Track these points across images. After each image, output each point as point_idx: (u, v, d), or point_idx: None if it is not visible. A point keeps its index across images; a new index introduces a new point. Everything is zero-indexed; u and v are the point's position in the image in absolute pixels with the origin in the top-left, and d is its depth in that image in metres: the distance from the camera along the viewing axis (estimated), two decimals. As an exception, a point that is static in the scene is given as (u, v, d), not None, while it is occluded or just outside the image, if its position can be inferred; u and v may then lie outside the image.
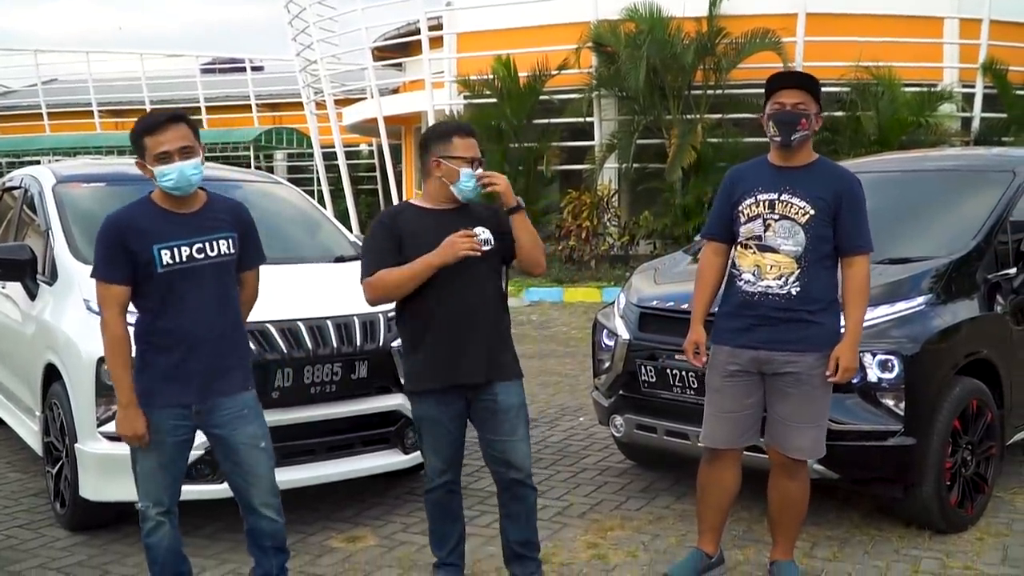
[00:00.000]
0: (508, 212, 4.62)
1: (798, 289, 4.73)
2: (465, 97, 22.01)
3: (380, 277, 4.57)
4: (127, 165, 9.84)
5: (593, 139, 21.20)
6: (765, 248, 4.79)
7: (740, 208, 4.87)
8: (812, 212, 4.73)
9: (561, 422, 8.78)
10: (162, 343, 4.32)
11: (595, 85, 20.52)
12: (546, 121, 21.09)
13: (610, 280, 18.40)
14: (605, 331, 6.76)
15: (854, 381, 5.43)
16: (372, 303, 4.74)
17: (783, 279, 4.75)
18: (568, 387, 10.36)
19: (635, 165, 20.06)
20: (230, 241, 4.42)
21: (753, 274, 4.81)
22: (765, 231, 4.80)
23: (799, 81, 4.89)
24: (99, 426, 5.56)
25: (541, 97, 20.86)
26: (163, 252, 4.27)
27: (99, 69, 40.67)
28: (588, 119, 21.13)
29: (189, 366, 4.33)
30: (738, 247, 4.90)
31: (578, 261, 19.73)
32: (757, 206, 4.82)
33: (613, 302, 6.99)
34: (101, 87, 40.17)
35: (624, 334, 6.44)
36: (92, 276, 4.35)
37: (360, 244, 7.43)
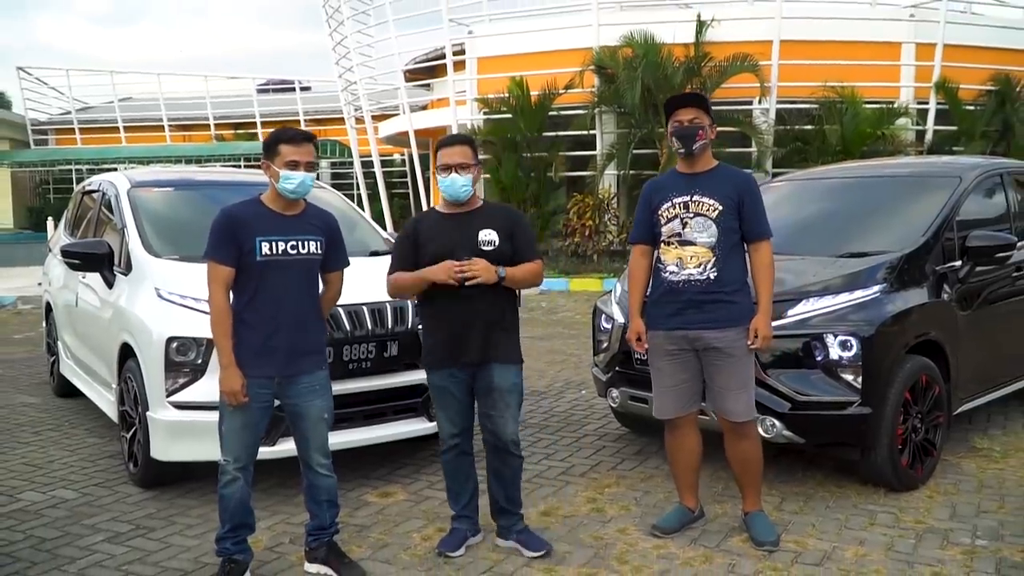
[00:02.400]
0: (497, 285, 4.63)
1: (716, 274, 4.81)
2: (484, 113, 22.00)
3: (395, 278, 4.77)
4: (192, 172, 9.93)
5: (595, 149, 21.17)
6: (685, 242, 4.86)
7: (660, 212, 4.94)
8: (721, 208, 4.82)
9: (566, 394, 8.80)
10: (253, 321, 4.41)
11: (597, 102, 20.52)
12: (554, 134, 21.06)
13: (610, 272, 18.40)
14: (603, 316, 6.76)
15: (818, 358, 5.45)
16: (392, 296, 4.94)
17: (702, 267, 4.82)
18: (572, 364, 10.37)
19: (631, 172, 20.03)
20: (318, 243, 4.53)
21: (676, 265, 4.88)
22: (683, 228, 4.87)
23: (691, 100, 5.00)
24: (168, 396, 5.60)
25: (550, 113, 20.84)
26: (263, 244, 4.39)
27: (168, 88, 40.82)
28: (591, 132, 21.11)
29: (274, 343, 4.42)
30: (661, 245, 4.96)
31: (582, 255, 19.73)
32: (674, 208, 4.89)
33: (611, 291, 6.99)
34: (170, 104, 40.28)
35: (620, 318, 6.44)
36: (204, 257, 4.45)
37: (392, 241, 7.48)
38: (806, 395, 5.45)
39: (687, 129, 4.86)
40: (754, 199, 4.88)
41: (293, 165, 4.43)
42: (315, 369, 4.55)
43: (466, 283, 4.57)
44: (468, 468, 4.98)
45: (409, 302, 6.08)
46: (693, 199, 4.86)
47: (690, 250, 4.85)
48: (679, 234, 4.88)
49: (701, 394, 5.04)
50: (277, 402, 4.56)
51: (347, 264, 4.79)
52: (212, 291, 4.41)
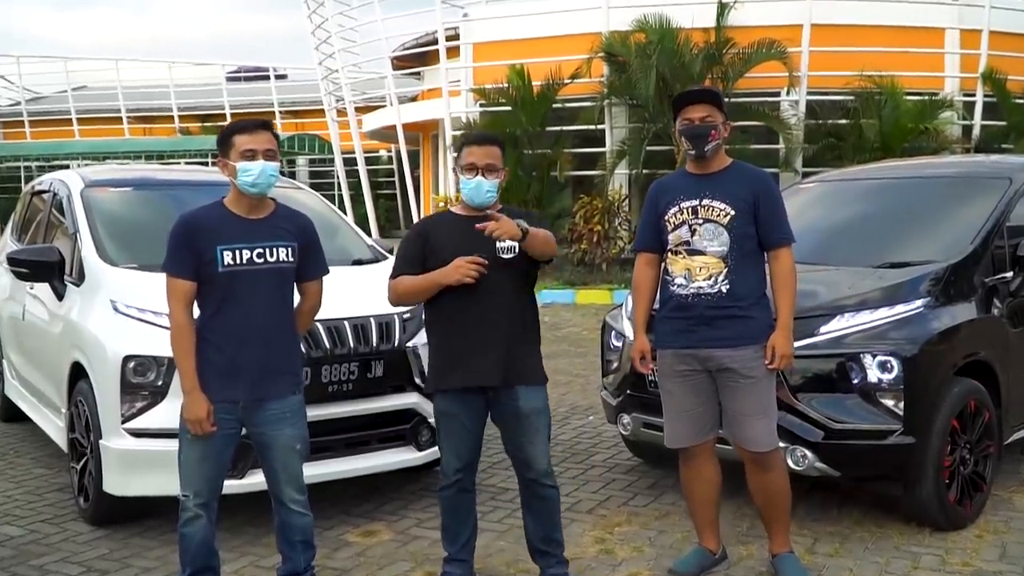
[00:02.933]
0: (522, 241, 4.57)
1: (728, 287, 4.81)
2: (481, 105, 22.02)
3: (398, 282, 4.73)
4: (154, 170, 9.93)
5: (604, 146, 21.19)
6: (693, 252, 4.87)
7: (666, 217, 4.95)
8: (733, 212, 4.82)
9: (571, 420, 8.77)
10: (217, 339, 4.40)
11: (606, 94, 20.52)
12: (559, 128, 21.08)
13: (620, 283, 18.36)
14: (613, 332, 6.75)
15: (854, 381, 5.43)
16: (393, 304, 4.89)
17: (712, 279, 4.82)
18: (579, 386, 10.34)
19: (645, 171, 20.02)
20: (289, 250, 4.50)
21: (684, 277, 4.88)
22: (692, 236, 4.87)
23: (702, 96, 5.02)
24: (124, 423, 5.57)
25: (554, 105, 20.85)
26: (225, 253, 4.38)
27: (128, 76, 40.90)
28: (599, 126, 21.12)
29: (241, 363, 4.40)
30: (668, 254, 4.97)
31: (590, 264, 19.72)
32: (681, 213, 4.90)
33: (622, 304, 6.97)
34: (130, 94, 40.36)
35: (632, 335, 6.40)
36: (162, 270, 4.45)
37: (377, 248, 7.47)
38: (841, 423, 5.43)
39: (698, 128, 4.87)
40: (771, 200, 4.89)
41: (249, 155, 4.40)
42: (286, 393, 4.52)
43: (494, 242, 4.53)
44: (469, 506, 4.95)
45: (396, 317, 6.07)
46: (703, 203, 4.87)
47: (699, 260, 4.85)
48: (687, 242, 4.88)
49: (718, 420, 5.03)
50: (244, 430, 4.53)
51: (326, 272, 4.77)
52: (172, 308, 4.40)
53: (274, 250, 4.46)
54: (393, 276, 4.76)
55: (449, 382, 4.71)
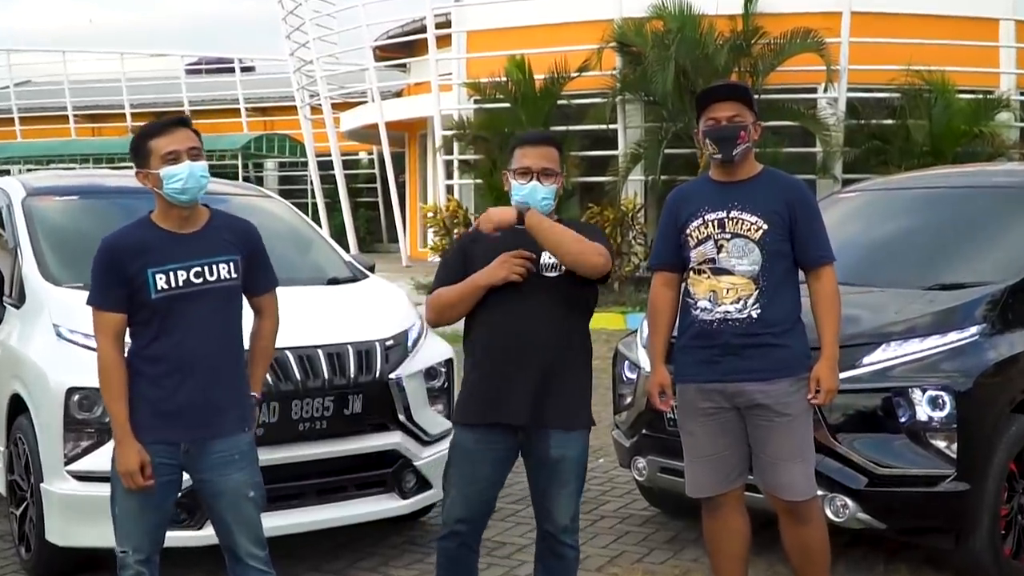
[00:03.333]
0: (519, 222, 4.51)
1: (759, 312, 4.78)
2: (475, 101, 22.10)
3: (437, 294, 4.70)
4: (103, 176, 9.93)
5: (616, 148, 21.23)
6: (720, 271, 4.84)
7: (688, 231, 4.92)
8: (766, 227, 4.80)
9: (578, 462, 8.75)
10: (153, 372, 4.36)
11: (619, 89, 20.58)
12: (565, 128, 21.09)
13: (635, 305, 18.34)
14: (627, 363, 6.76)
15: (902, 420, 5.44)
16: (432, 324, 4.86)
17: (742, 302, 4.80)
18: (586, 423, 10.34)
19: (663, 177, 20.04)
20: (231, 265, 4.45)
21: (709, 300, 4.86)
22: (718, 252, 4.85)
23: (730, 92, 5.01)
24: (67, 464, 5.57)
25: (559, 102, 20.92)
26: (158, 276, 4.32)
27: (76, 70, 40.92)
28: (611, 126, 21.17)
29: (180, 399, 4.35)
30: (690, 274, 4.94)
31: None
32: (706, 227, 4.88)
33: (637, 330, 6.98)
34: (77, 89, 40.41)
35: (647, 366, 6.41)
36: (88, 303, 4.41)
37: (355, 264, 7.48)
38: (887, 467, 5.44)
39: (725, 129, 4.85)
40: (809, 212, 4.89)
41: (172, 158, 4.33)
42: (234, 431, 4.45)
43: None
44: (470, 566, 4.80)
45: (377, 344, 6.09)
46: (731, 215, 4.85)
47: (726, 281, 4.84)
48: (712, 260, 4.86)
49: (747, 464, 5.01)
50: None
51: (276, 283, 4.72)
52: (99, 345, 4.36)
53: (214, 267, 4.40)
54: (431, 291, 4.74)
55: (468, 415, 4.65)
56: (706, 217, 4.89)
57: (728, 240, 4.83)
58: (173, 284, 4.33)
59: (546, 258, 4.54)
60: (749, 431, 4.89)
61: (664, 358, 5.08)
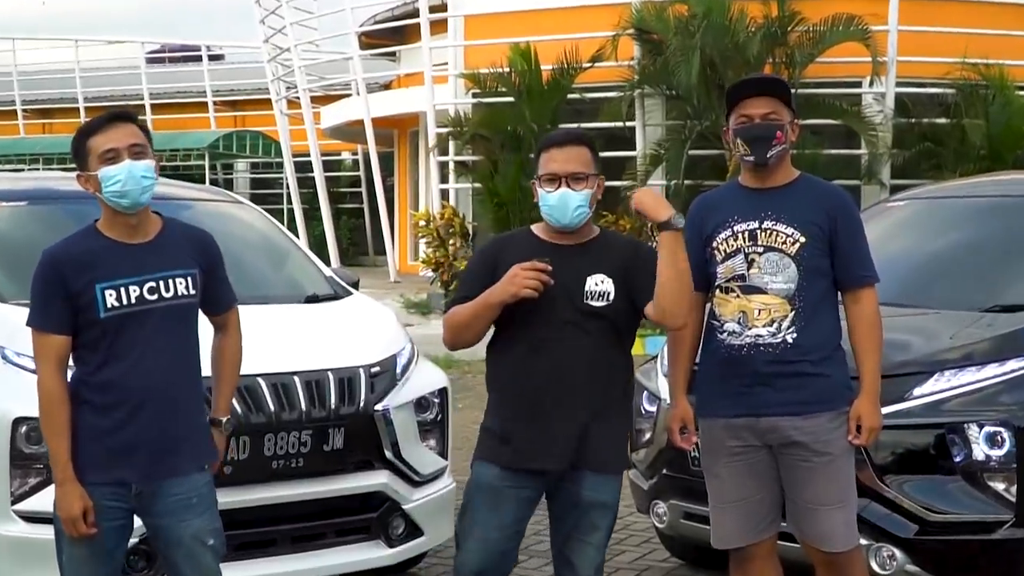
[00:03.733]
0: (658, 228, 4.49)
1: (794, 336, 4.77)
2: (474, 95, 22.17)
3: (452, 313, 4.64)
4: (55, 179, 9.91)
5: (634, 149, 21.26)
6: (751, 289, 4.84)
7: (715, 244, 4.91)
8: (803, 240, 4.79)
9: (589, 506, 8.75)
10: (100, 402, 4.34)
11: (637, 81, 20.64)
12: (576, 125, 21.07)
13: (654, 327, 18.32)
14: (645, 394, 6.75)
15: (956, 459, 5.44)
16: (449, 346, 4.80)
17: (775, 325, 4.78)
18: (599, 461, 10.34)
19: (687, 182, 20.10)
20: (189, 280, 4.43)
21: (738, 322, 4.84)
22: (749, 268, 4.84)
23: (765, 86, 5.00)
24: (14, 503, 5.56)
25: (569, 96, 21.01)
26: (107, 293, 4.31)
27: (24, 59, 41.04)
28: (628, 123, 21.21)
29: (130, 434, 4.33)
30: (717, 292, 4.93)
31: (614, 302, 19.71)
32: (735, 239, 4.87)
33: (656, 356, 6.99)
34: (26, 81, 40.50)
35: (669, 398, 6.42)
36: (27, 324, 4.41)
37: (336, 280, 7.48)
38: (940, 512, 5.43)
39: (759, 128, 4.83)
40: (851, 225, 4.88)
41: (110, 156, 4.32)
42: (190, 470, 4.44)
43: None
44: None
45: (361, 371, 6.08)
46: (763, 226, 4.84)
47: (758, 300, 4.83)
48: (742, 276, 4.86)
49: (780, 510, 5.00)
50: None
51: (235, 300, 4.73)
52: (40, 372, 4.35)
53: (169, 282, 4.38)
54: (448, 307, 4.69)
55: (498, 456, 4.62)
56: (735, 228, 4.88)
57: (760, 254, 4.82)
58: (124, 301, 4.31)
59: (592, 285, 4.51)
60: (782, 472, 4.87)
61: (686, 389, 5.08)
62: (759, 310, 4.81)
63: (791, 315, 4.78)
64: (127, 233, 4.40)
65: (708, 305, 5.01)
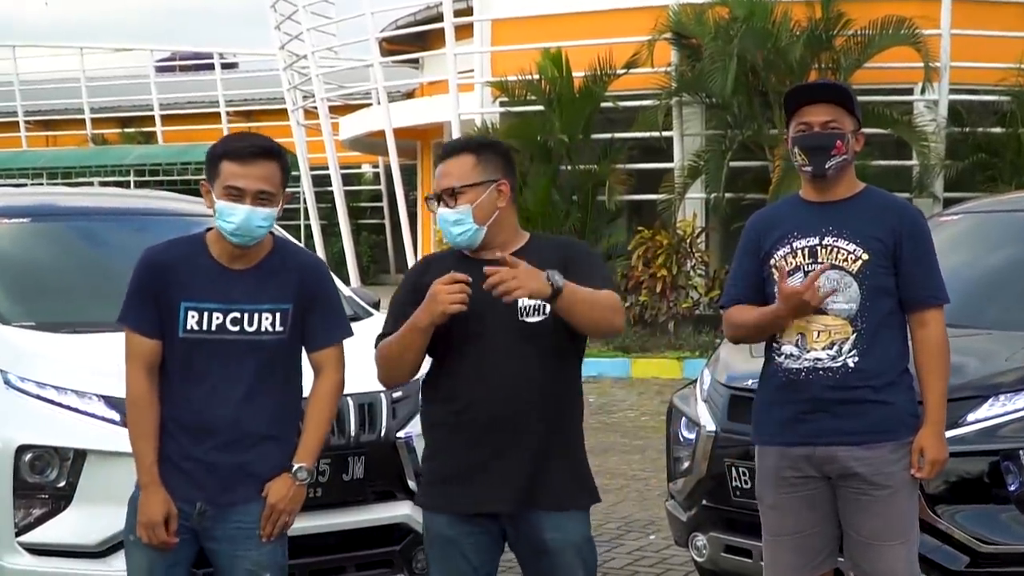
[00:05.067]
0: (550, 302, 4.25)
1: (856, 360, 4.75)
2: (502, 104, 22.15)
3: (380, 347, 4.53)
4: (59, 194, 9.97)
5: (672, 160, 21.25)
6: None
7: (773, 262, 4.90)
8: (866, 257, 4.78)
9: (625, 541, 8.79)
10: (170, 425, 4.45)
11: (675, 89, 20.58)
12: (609, 136, 21.18)
13: (694, 350, 18.37)
14: (684, 420, 6.76)
15: (1011, 487, 5.44)
16: (383, 382, 4.73)
17: (836, 348, 4.77)
18: (635, 493, 10.34)
19: (728, 195, 20.07)
20: (278, 315, 4.48)
21: (796, 345, 4.83)
22: None
23: (826, 92, 4.98)
24: (18, 535, 5.62)
25: (603, 104, 20.97)
26: (190, 313, 4.40)
27: (27, 68, 41.23)
28: (666, 133, 21.20)
29: (197, 458, 4.44)
30: None
31: (651, 323, 19.71)
32: (794, 256, 4.86)
33: (695, 380, 7.00)
34: (30, 91, 40.69)
35: (709, 424, 6.43)
36: (118, 321, 4.50)
37: (356, 300, 7.50)
38: (992, 544, 5.44)
39: (818, 137, 4.83)
40: (920, 242, 4.86)
41: (234, 194, 4.36)
42: (256, 500, 4.50)
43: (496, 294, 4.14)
44: None
45: (383, 396, 6.11)
46: (824, 243, 4.84)
47: (818, 322, 4.81)
48: None
49: (837, 544, 4.98)
50: None
51: (348, 334, 4.72)
52: (128, 372, 4.45)
53: (255, 316, 4.44)
54: (379, 340, 4.56)
55: (443, 503, 4.50)
56: (795, 244, 4.87)
57: (821, 273, 4.81)
58: (205, 326, 4.41)
59: (525, 299, 4.27)
60: (840, 505, 4.85)
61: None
62: (818, 332, 4.80)
63: (852, 337, 4.76)
64: (229, 258, 4.47)
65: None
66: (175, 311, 4.39)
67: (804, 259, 4.84)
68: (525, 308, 4.36)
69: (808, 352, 4.81)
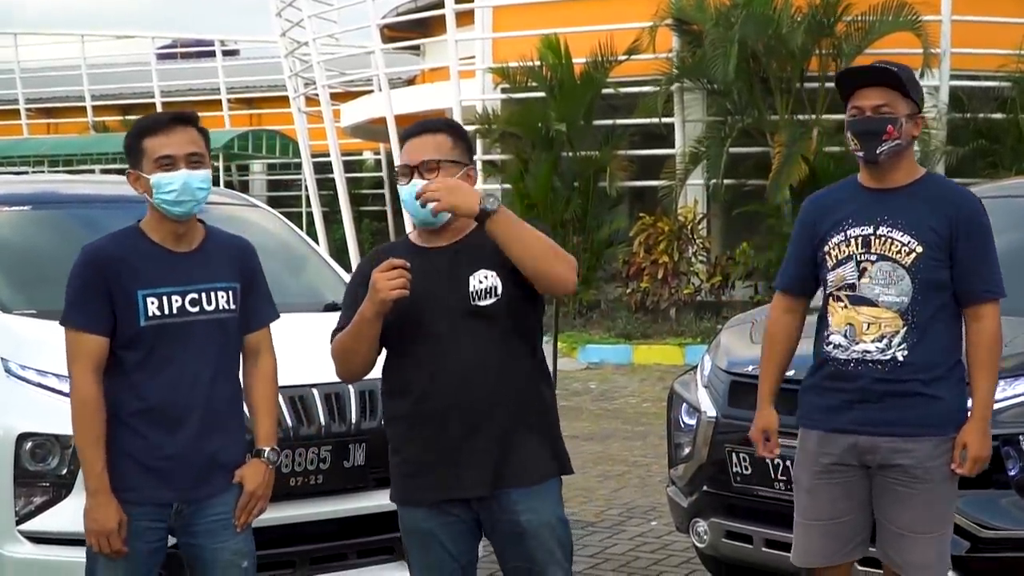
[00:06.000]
0: (477, 221, 4.28)
1: (905, 353, 4.71)
2: (503, 90, 22.15)
3: (335, 342, 4.49)
4: (60, 182, 10.00)
5: (674, 146, 21.24)
6: (859, 300, 4.79)
7: (826, 249, 4.87)
8: (919, 249, 4.72)
9: (627, 527, 8.81)
10: (137, 421, 4.41)
11: (676, 75, 20.59)
12: (611, 122, 21.19)
13: (695, 336, 18.38)
14: (685, 406, 6.76)
15: (1011, 472, 5.44)
16: (343, 379, 4.69)
17: (885, 341, 4.73)
18: (637, 480, 10.35)
19: (729, 181, 20.05)
20: (231, 293, 4.50)
21: (845, 336, 4.80)
22: (859, 277, 4.80)
23: (878, 76, 4.86)
24: (19, 523, 5.62)
25: (604, 91, 20.99)
26: (149, 300, 4.38)
27: (28, 55, 41.22)
28: (667, 120, 21.18)
29: (171, 451, 4.40)
30: (829, 300, 4.89)
31: (652, 310, 19.73)
32: (848, 245, 4.82)
33: (696, 366, 7.00)
34: (31, 79, 40.68)
35: (710, 410, 6.44)
36: (61, 323, 4.45)
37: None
38: (992, 528, 5.43)
39: (869, 122, 4.76)
40: (975, 235, 4.79)
41: (166, 163, 4.36)
42: (228, 489, 4.51)
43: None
44: None
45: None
46: (878, 232, 4.78)
47: (867, 313, 4.78)
48: (851, 286, 4.82)
49: (869, 533, 4.96)
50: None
51: (275, 316, 4.75)
52: (74, 374, 4.39)
53: (212, 295, 4.45)
54: (334, 334, 4.52)
55: (412, 494, 4.49)
56: (848, 233, 4.84)
57: (873, 263, 4.78)
58: (166, 311, 4.39)
59: (476, 283, 4.34)
60: (876, 494, 4.84)
61: (773, 398, 5.06)
62: (868, 324, 4.77)
63: (903, 330, 4.72)
64: (173, 240, 4.47)
65: (823, 313, 4.95)
66: (132, 301, 4.36)
67: (857, 248, 4.80)
68: (476, 292, 4.35)
69: (857, 344, 4.78)
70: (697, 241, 20.27)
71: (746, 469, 6.19)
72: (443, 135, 4.48)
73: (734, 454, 6.24)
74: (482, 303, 4.36)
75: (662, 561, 7.86)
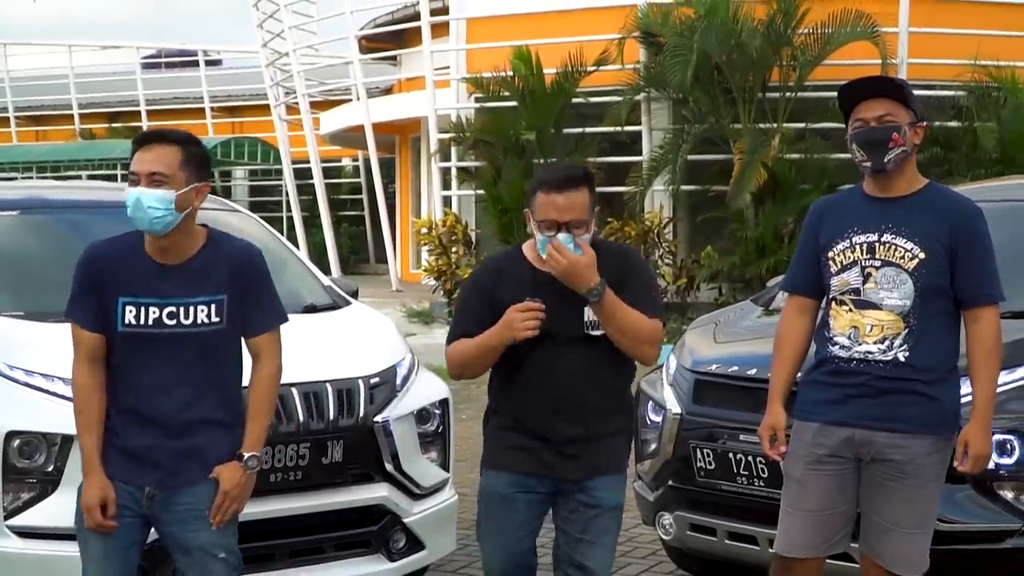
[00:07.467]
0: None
1: (906, 355, 4.72)
2: (476, 99, 22.14)
3: (455, 348, 4.80)
4: (47, 187, 9.97)
5: (641, 153, 21.24)
6: (864, 304, 4.80)
7: (830, 255, 4.88)
8: (922, 256, 4.73)
9: (594, 518, 8.75)
10: (116, 414, 4.47)
11: (642, 85, 20.59)
12: (580, 130, 21.20)
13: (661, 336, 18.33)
14: (650, 403, 6.76)
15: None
16: (454, 378, 5.00)
17: (887, 342, 4.74)
18: (604, 473, 10.34)
19: (693, 187, 20.07)
20: (214, 307, 4.46)
21: (849, 337, 4.81)
22: (864, 282, 4.80)
23: (878, 87, 4.91)
24: (7, 518, 5.59)
25: (573, 100, 20.98)
26: (128, 308, 4.40)
27: (17, 65, 41.07)
28: (635, 128, 21.19)
29: (142, 445, 4.45)
30: (832, 303, 4.90)
31: (620, 310, 19.68)
32: (852, 251, 4.83)
33: (662, 366, 7.00)
34: (20, 87, 40.53)
35: (674, 407, 6.44)
36: (65, 315, 4.53)
37: (335, 290, 7.49)
38: (948, 522, 5.41)
39: (873, 132, 4.76)
40: (975, 242, 4.80)
41: (133, 179, 4.37)
42: (203, 481, 4.49)
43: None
44: None
45: (360, 382, 6.12)
46: (883, 239, 4.79)
47: (871, 316, 4.79)
48: (856, 290, 4.83)
49: (852, 528, 4.97)
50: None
51: (282, 320, 4.75)
52: (73, 363, 4.47)
53: (191, 309, 4.43)
54: (449, 340, 4.83)
55: (510, 461, 4.78)
56: (854, 239, 4.85)
57: (877, 268, 4.79)
58: (142, 321, 4.40)
59: (590, 315, 4.64)
60: (865, 487, 4.84)
61: (783, 398, 5.04)
62: (871, 326, 4.78)
63: (904, 332, 4.74)
64: (159, 252, 4.46)
65: (823, 315, 4.97)
66: (114, 306, 4.39)
67: (862, 255, 4.82)
68: (590, 323, 4.68)
69: (860, 344, 4.79)
70: (663, 245, 20.30)
71: (710, 464, 6.19)
72: (584, 188, 4.66)
73: (698, 450, 6.24)
74: (594, 332, 4.70)
75: (629, 553, 7.84)
